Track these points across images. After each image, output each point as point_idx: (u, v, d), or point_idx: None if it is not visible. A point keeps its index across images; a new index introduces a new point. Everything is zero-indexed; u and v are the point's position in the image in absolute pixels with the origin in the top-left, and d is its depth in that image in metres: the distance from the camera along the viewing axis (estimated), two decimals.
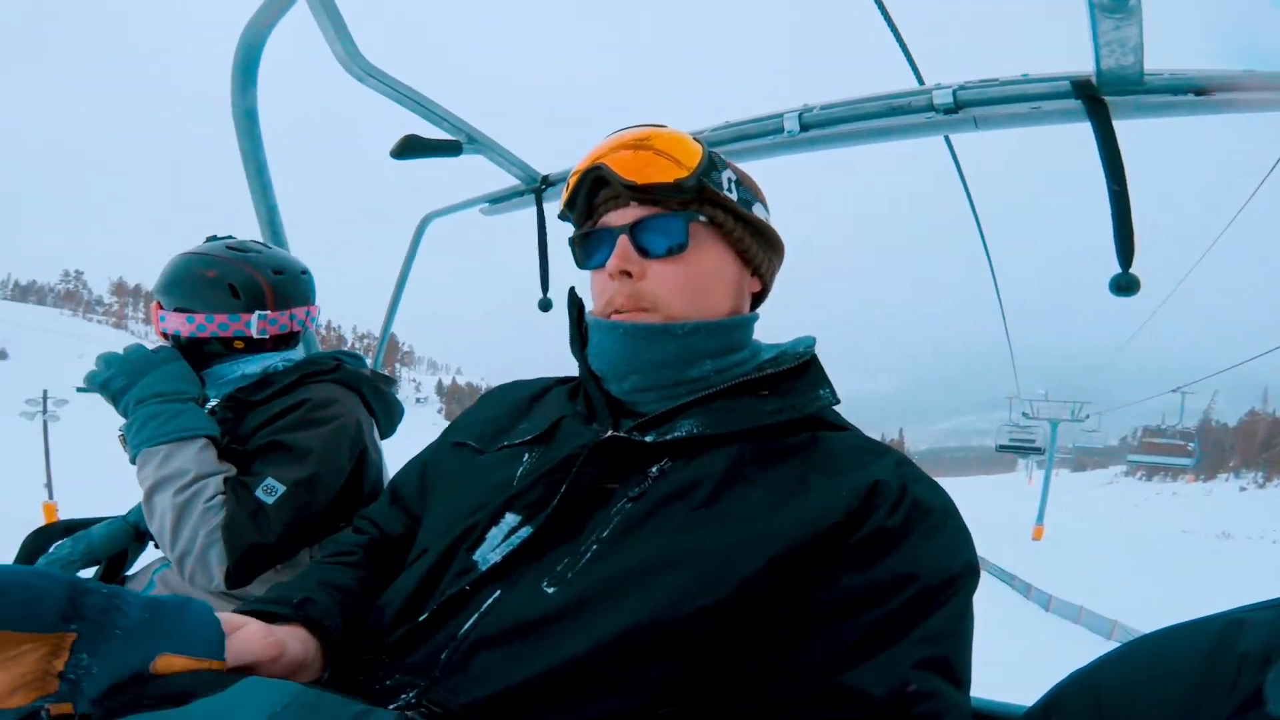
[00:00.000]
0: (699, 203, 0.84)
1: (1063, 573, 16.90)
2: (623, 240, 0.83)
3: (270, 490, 1.28)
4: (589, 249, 0.89)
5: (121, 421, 1.38)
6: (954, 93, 1.18)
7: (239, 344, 1.50)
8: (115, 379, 1.36)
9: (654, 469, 0.77)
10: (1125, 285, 1.02)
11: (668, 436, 0.78)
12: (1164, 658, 0.52)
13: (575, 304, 0.93)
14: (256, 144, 1.80)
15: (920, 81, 1.32)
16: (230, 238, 1.58)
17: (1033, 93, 1.12)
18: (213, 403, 1.53)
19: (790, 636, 0.66)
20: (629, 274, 0.83)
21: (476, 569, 0.75)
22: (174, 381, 1.38)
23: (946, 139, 1.85)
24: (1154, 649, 0.54)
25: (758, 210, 0.89)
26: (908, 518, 0.69)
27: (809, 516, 0.68)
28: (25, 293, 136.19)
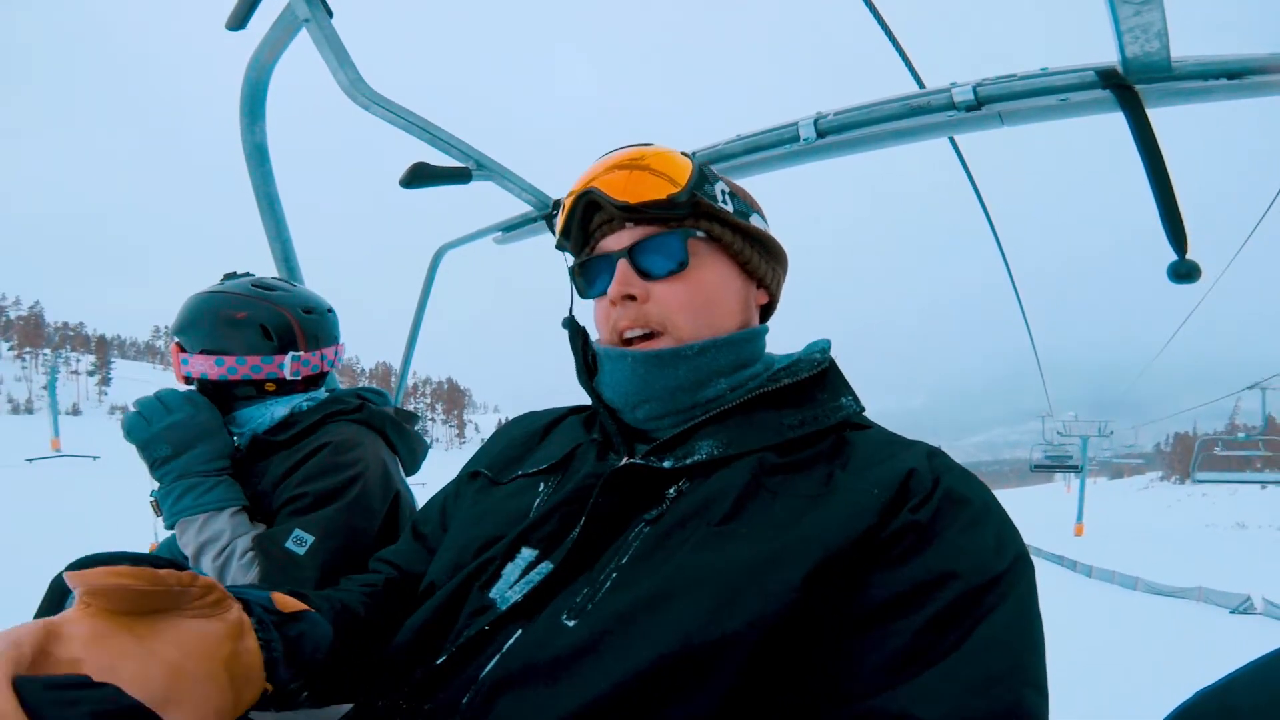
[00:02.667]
0: (694, 218, 0.82)
1: (1100, 557, 21.52)
2: (622, 264, 0.82)
3: (300, 541, 1.26)
4: (589, 277, 0.87)
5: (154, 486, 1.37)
6: (974, 89, 1.15)
7: (270, 385, 1.47)
8: (158, 445, 1.34)
9: (671, 490, 0.74)
10: (1185, 272, 0.97)
11: (687, 461, 0.75)
12: None
13: (578, 333, 0.91)
14: (268, 179, 1.80)
15: (920, 85, 1.29)
16: (249, 274, 1.56)
17: (1058, 85, 1.09)
18: (237, 443, 1.50)
19: (829, 653, 0.61)
20: (633, 298, 0.82)
21: (495, 608, 0.71)
22: (214, 460, 1.36)
23: (952, 142, 1.81)
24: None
25: (755, 221, 0.88)
26: (939, 510, 0.65)
27: (838, 518, 0.64)
28: (109, 346, 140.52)
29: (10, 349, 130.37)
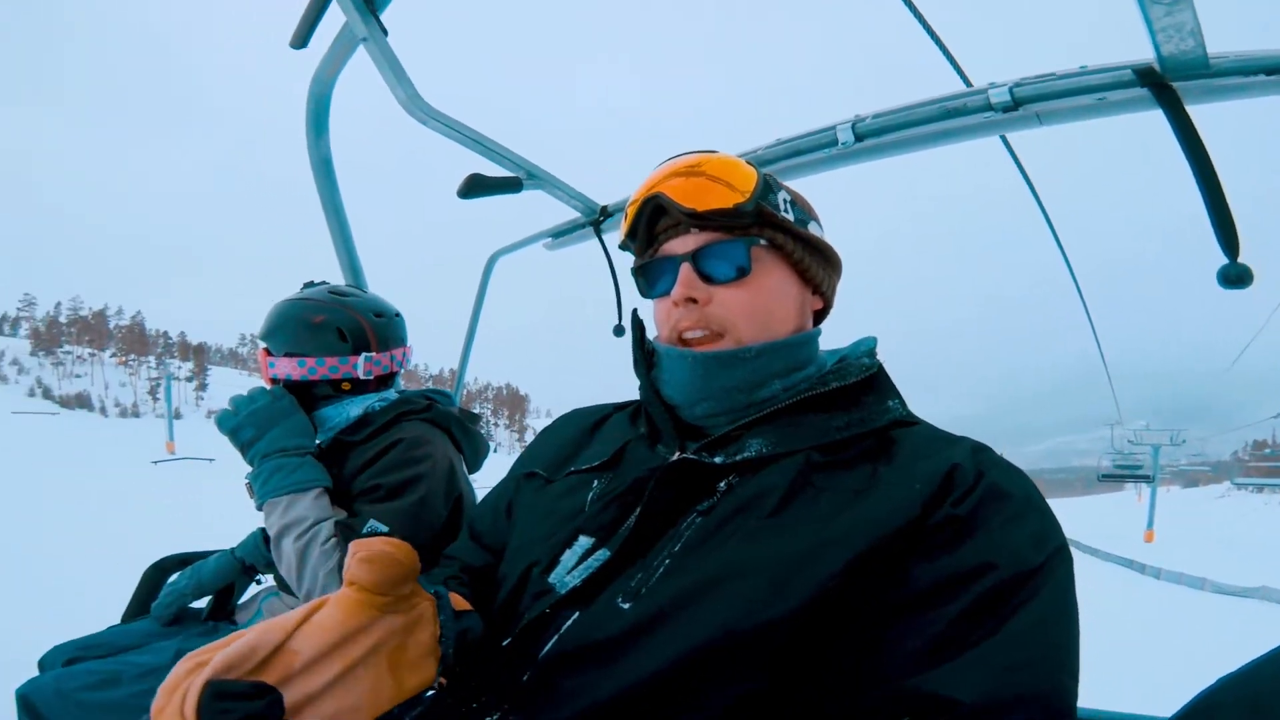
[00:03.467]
0: (758, 226, 0.85)
1: (1170, 561, 21.56)
2: (686, 268, 0.84)
3: (375, 531, 1.36)
4: (651, 278, 0.90)
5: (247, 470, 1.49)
6: (1010, 90, 1.16)
7: (346, 385, 1.59)
8: (244, 429, 1.47)
9: (722, 484, 0.77)
10: (1236, 276, 0.91)
11: (737, 457, 0.78)
12: None
13: (638, 326, 0.95)
14: (334, 190, 1.91)
15: (967, 83, 1.29)
16: (324, 283, 1.69)
17: (1095, 84, 1.10)
18: (319, 441, 1.62)
19: (869, 639, 0.64)
20: (694, 300, 0.84)
21: (554, 591, 0.76)
22: (295, 437, 1.48)
23: (1004, 141, 1.80)
24: None
25: (813, 228, 0.90)
26: (980, 504, 0.67)
27: (881, 512, 0.67)
28: (196, 353, 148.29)
29: (112, 356, 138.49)
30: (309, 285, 1.68)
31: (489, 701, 0.72)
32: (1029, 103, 1.16)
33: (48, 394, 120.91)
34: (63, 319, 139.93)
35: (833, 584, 0.64)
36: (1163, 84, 1.02)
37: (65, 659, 1.51)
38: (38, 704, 1.36)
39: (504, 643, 0.75)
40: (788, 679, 0.64)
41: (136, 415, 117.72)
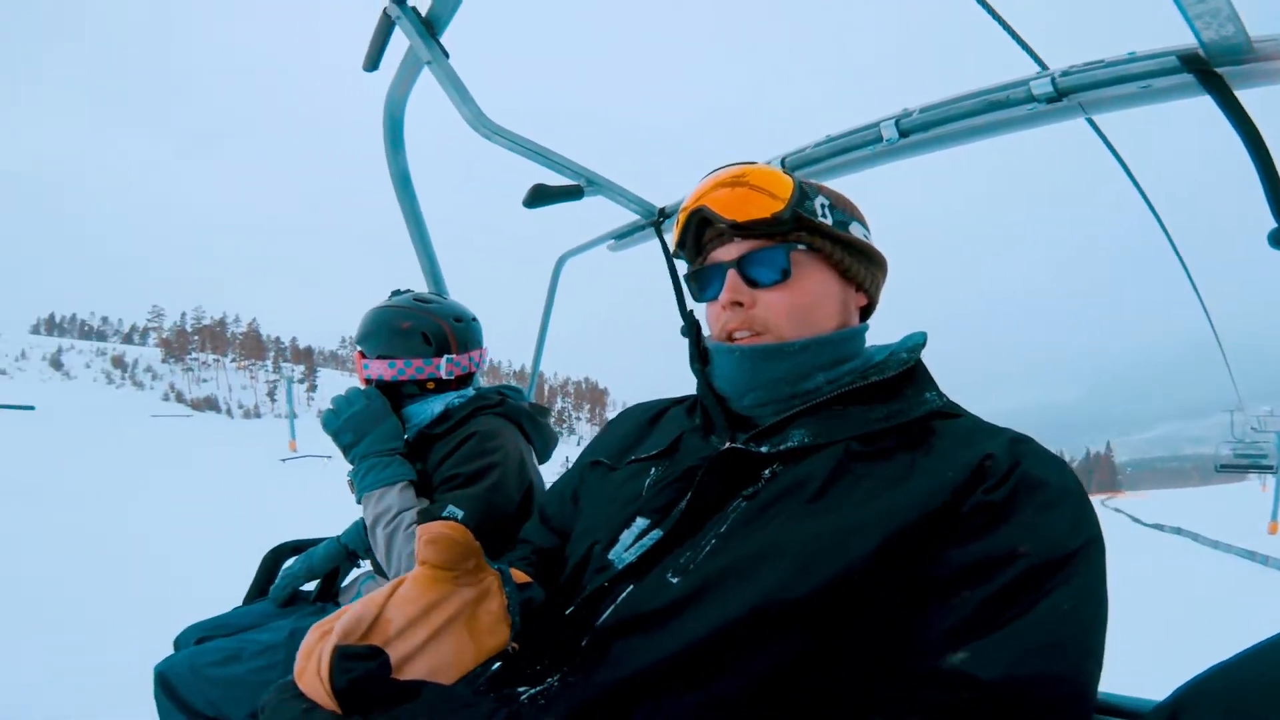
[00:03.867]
0: (797, 232, 0.91)
1: None
2: (731, 274, 0.92)
3: (453, 515, 1.50)
4: (702, 283, 0.98)
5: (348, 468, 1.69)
6: (1053, 80, 1.16)
7: (430, 385, 1.76)
8: (344, 434, 1.66)
9: (767, 472, 0.84)
10: None
11: (781, 446, 0.84)
12: None
13: (693, 326, 1.04)
14: (413, 202, 2.05)
15: (1042, 66, 1.29)
16: (410, 291, 1.86)
17: (1138, 71, 1.08)
18: (406, 436, 1.80)
19: (901, 619, 0.68)
20: (740, 303, 0.92)
21: (613, 567, 0.85)
22: (387, 440, 1.66)
23: (1091, 122, 1.75)
24: None
25: (855, 229, 0.95)
26: (1014, 491, 0.69)
27: (914, 499, 0.71)
28: (305, 356, 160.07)
29: (232, 361, 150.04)
30: (395, 293, 1.86)
31: (552, 664, 0.81)
32: (1072, 93, 1.16)
33: (180, 398, 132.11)
34: (188, 328, 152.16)
35: (860, 565, 0.68)
36: (1208, 69, 1.01)
37: (196, 638, 1.71)
38: (173, 679, 1.57)
39: (567, 612, 0.85)
40: (820, 651, 0.69)
41: (258, 416, 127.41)
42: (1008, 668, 0.61)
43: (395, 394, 1.76)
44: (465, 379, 1.84)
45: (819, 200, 0.92)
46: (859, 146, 1.44)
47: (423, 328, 1.73)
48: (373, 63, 1.57)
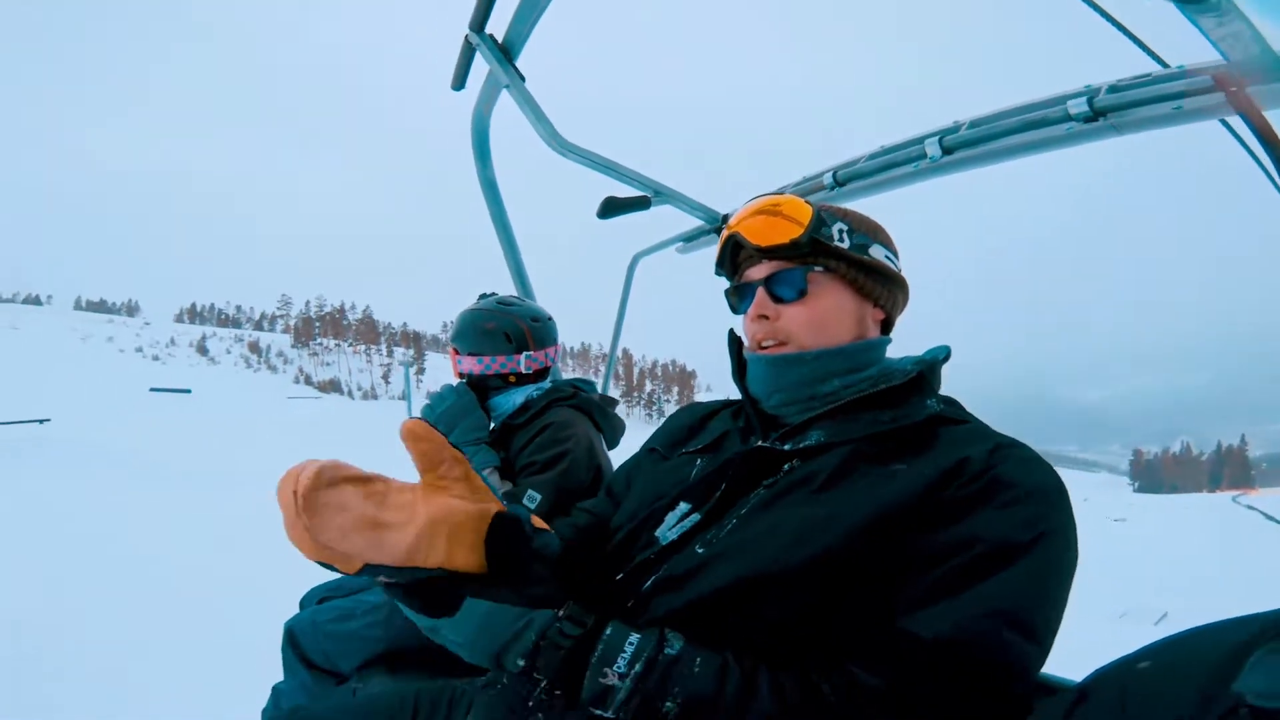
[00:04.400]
0: (814, 255, 1.04)
1: None
2: (760, 292, 1.07)
3: (532, 499, 1.70)
4: (738, 298, 1.14)
5: None
6: (1089, 100, 1.20)
7: (512, 379, 1.98)
8: (439, 425, 1.89)
9: (787, 466, 0.99)
10: None
11: (801, 445, 0.99)
12: (1187, 660, 0.50)
13: (735, 342, 1.18)
14: (500, 208, 2.22)
15: (1163, 65, 1.29)
16: (495, 294, 2.08)
17: (1171, 92, 1.11)
18: (493, 425, 2.02)
19: (876, 592, 0.81)
20: (766, 317, 1.06)
21: (658, 543, 1.01)
22: (474, 431, 1.89)
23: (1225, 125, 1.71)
24: (1184, 648, 0.53)
25: (874, 251, 1.07)
26: (984, 489, 0.80)
27: (897, 491, 0.83)
28: (415, 341, 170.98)
29: (349, 346, 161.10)
30: (483, 296, 2.08)
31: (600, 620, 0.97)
32: (1109, 113, 1.19)
33: (308, 380, 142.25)
34: (311, 315, 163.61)
35: (842, 545, 0.81)
36: (1238, 89, 1.03)
37: (318, 598, 1.95)
38: (298, 634, 1.85)
39: (617, 578, 1.02)
40: (809, 613, 0.82)
41: (375, 398, 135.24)
42: (942, 631, 0.72)
43: (483, 387, 1.99)
44: (543, 372, 2.03)
45: (837, 226, 1.05)
46: (904, 163, 1.50)
47: (505, 328, 1.94)
48: (460, 81, 1.75)
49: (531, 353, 1.96)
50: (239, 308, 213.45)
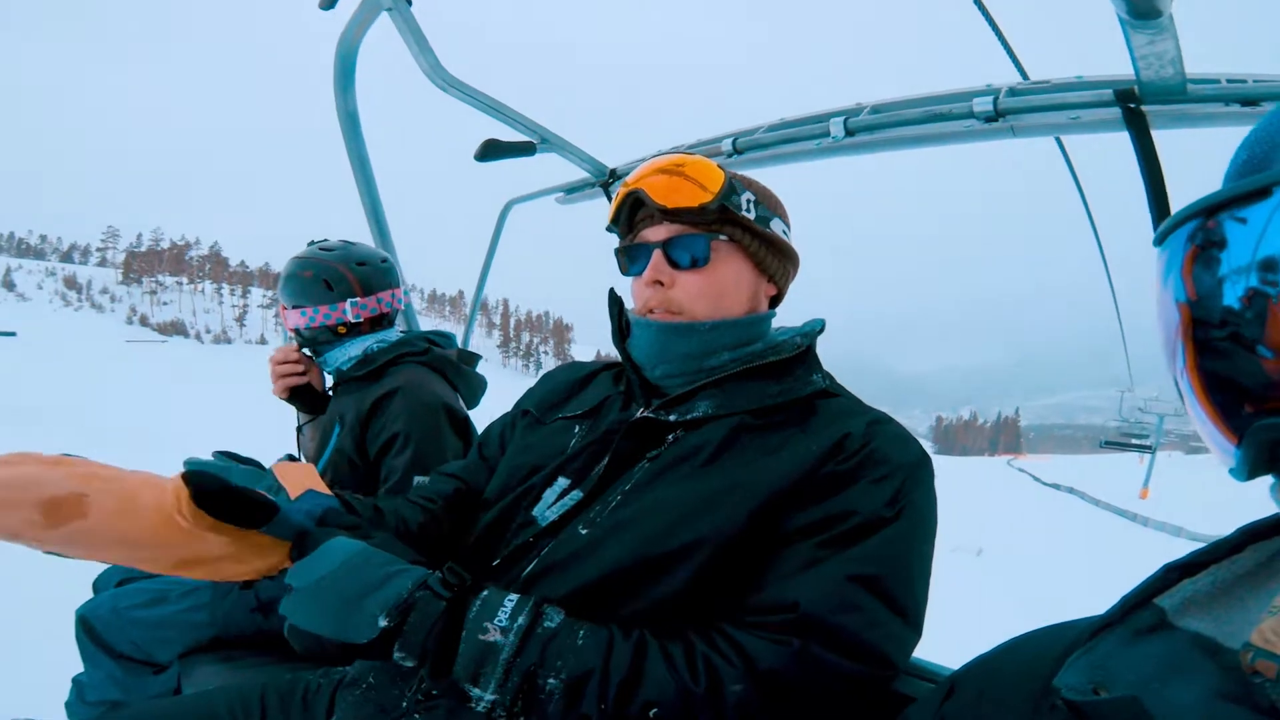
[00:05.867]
0: (720, 223, 0.97)
1: (1156, 513, 24.52)
2: (656, 254, 0.98)
3: (391, 472, 1.56)
4: (630, 259, 1.03)
5: None
6: (994, 101, 1.19)
7: (342, 329, 1.75)
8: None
9: (670, 436, 0.93)
10: None
11: (686, 416, 0.94)
12: (1023, 661, 0.52)
13: (615, 302, 1.08)
14: (359, 142, 1.98)
15: (1024, 76, 1.30)
16: (325, 240, 1.83)
17: (1073, 101, 1.13)
18: (330, 383, 1.80)
19: (758, 563, 0.82)
20: (661, 282, 0.98)
21: (536, 524, 0.93)
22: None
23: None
24: (1025, 649, 0.55)
25: (775, 225, 1.01)
26: (859, 465, 0.83)
27: (783, 467, 0.84)
28: (273, 281, 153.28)
29: (192, 284, 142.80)
30: (311, 244, 1.82)
31: None
32: (1008, 115, 1.20)
33: (144, 321, 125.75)
34: (144, 249, 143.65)
35: (734, 522, 0.81)
36: (1136, 108, 1.06)
37: (118, 580, 1.69)
38: (94, 622, 1.56)
39: (494, 563, 0.93)
40: (695, 588, 0.81)
41: (229, 342, 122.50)
42: (815, 596, 0.75)
43: (314, 344, 1.77)
44: (380, 320, 1.81)
45: (745, 195, 0.98)
46: (807, 138, 1.45)
47: (324, 275, 1.72)
48: (330, 1, 1.50)
49: (359, 299, 1.74)
50: (44, 237, 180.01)
